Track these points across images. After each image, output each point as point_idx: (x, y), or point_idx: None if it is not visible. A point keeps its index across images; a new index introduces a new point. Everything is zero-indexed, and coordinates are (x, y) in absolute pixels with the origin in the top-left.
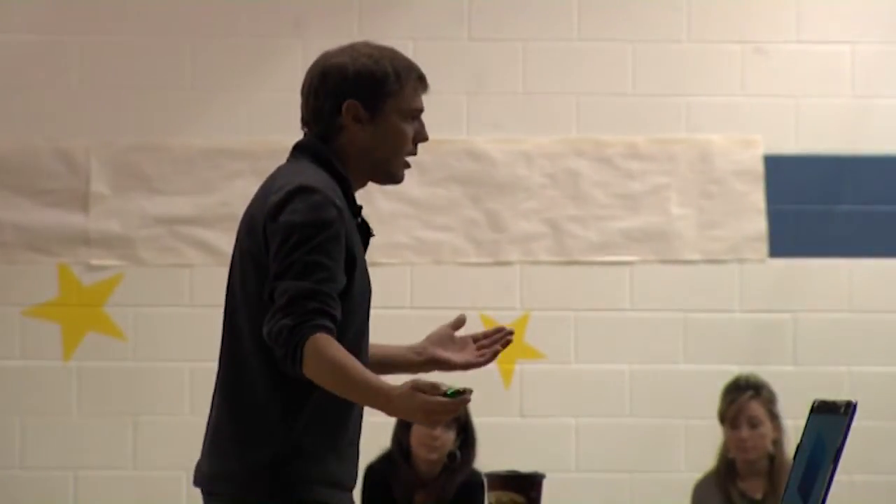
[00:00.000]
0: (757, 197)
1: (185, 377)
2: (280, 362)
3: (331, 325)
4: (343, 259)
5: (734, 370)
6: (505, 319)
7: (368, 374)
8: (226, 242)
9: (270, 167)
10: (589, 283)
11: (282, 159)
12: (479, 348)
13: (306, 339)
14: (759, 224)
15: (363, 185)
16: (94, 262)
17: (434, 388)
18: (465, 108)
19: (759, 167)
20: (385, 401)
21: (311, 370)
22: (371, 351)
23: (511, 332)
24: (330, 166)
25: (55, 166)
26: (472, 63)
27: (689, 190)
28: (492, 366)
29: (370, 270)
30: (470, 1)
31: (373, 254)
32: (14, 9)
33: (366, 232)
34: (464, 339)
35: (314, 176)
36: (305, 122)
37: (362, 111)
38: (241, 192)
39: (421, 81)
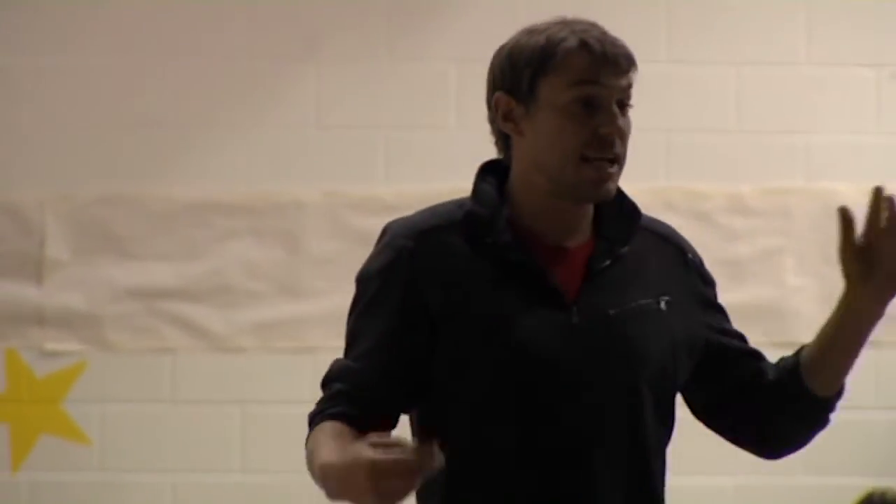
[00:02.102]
0: None
1: (166, 494)
2: None
3: (352, 410)
4: (398, 318)
5: (867, 483)
6: None
7: (323, 447)
8: (217, 320)
9: (274, 225)
10: None
11: (288, 215)
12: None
13: (310, 431)
14: None
15: (567, 206)
16: (50, 346)
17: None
18: None
19: None
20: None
21: None
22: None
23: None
24: (481, 190)
25: (0, 225)
26: None
27: (809, 254)
28: None
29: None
30: (528, 12)
31: None
32: None
33: (531, 268)
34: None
35: (418, 212)
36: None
37: (514, 104)
38: (236, 257)
39: (588, 50)
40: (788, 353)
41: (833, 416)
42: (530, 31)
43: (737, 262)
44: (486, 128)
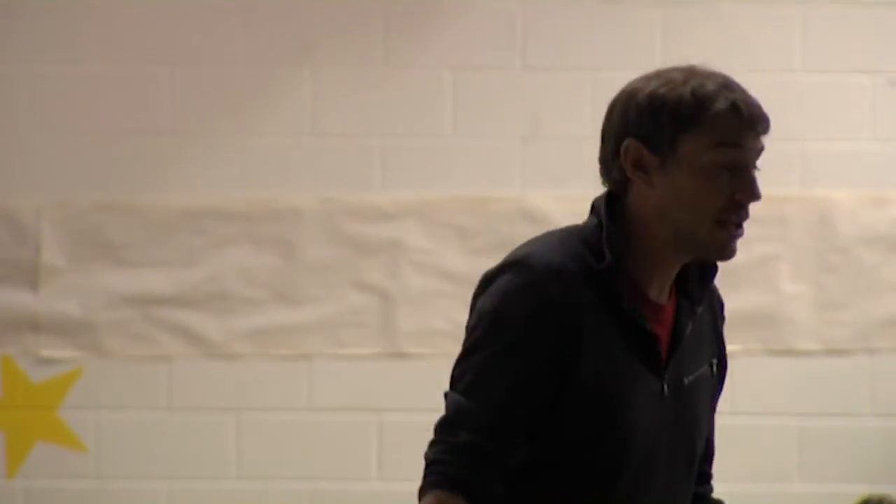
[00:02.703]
0: (892, 270)
1: (162, 501)
2: None
3: (479, 482)
4: (542, 374)
5: (863, 491)
6: None
7: None
8: (214, 328)
9: (271, 231)
10: None
11: (285, 221)
12: None
13: (428, 490)
14: (893, 304)
15: (680, 261)
16: (46, 353)
17: None
18: (518, 156)
19: (895, 232)
20: None
21: None
22: None
23: None
24: (598, 236)
25: None
26: (527, 99)
27: (804, 261)
28: None
29: (391, 361)
30: (525, 19)
31: (401, 342)
32: None
33: (642, 339)
34: None
35: (552, 247)
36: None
37: (647, 154)
38: (233, 264)
39: (737, 112)
40: (783, 360)
41: (829, 423)
42: (668, 81)
43: (732, 269)
44: (482, 134)
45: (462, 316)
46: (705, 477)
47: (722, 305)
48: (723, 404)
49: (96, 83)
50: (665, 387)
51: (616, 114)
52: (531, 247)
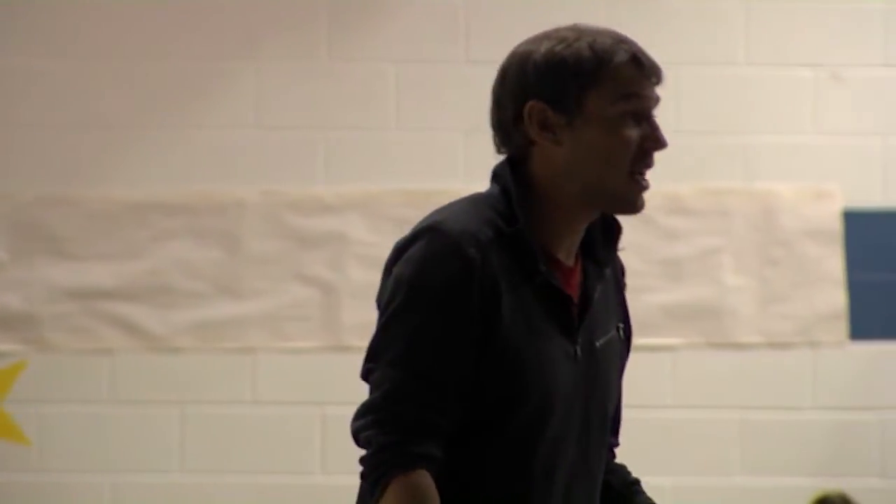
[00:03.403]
0: (834, 263)
1: (106, 494)
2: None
3: (435, 452)
4: (468, 338)
5: (805, 484)
6: None
7: None
8: (156, 321)
9: (214, 225)
10: None
11: (228, 215)
12: None
13: (394, 475)
14: (836, 298)
15: (588, 219)
16: None
17: None
18: (461, 149)
19: (837, 225)
20: None
21: None
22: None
23: None
24: (506, 202)
25: None
26: (470, 92)
27: (747, 254)
28: None
29: (335, 355)
30: (468, 13)
31: (344, 335)
32: None
33: (553, 295)
34: None
35: (465, 212)
36: (494, 140)
37: (552, 114)
38: (175, 258)
39: (637, 63)
40: (726, 353)
41: (771, 416)
42: (561, 39)
43: (675, 262)
44: (425, 127)
45: None
46: (611, 444)
47: (623, 271)
48: (665, 397)
49: (37, 78)
50: (578, 350)
51: (511, 77)
52: (443, 213)
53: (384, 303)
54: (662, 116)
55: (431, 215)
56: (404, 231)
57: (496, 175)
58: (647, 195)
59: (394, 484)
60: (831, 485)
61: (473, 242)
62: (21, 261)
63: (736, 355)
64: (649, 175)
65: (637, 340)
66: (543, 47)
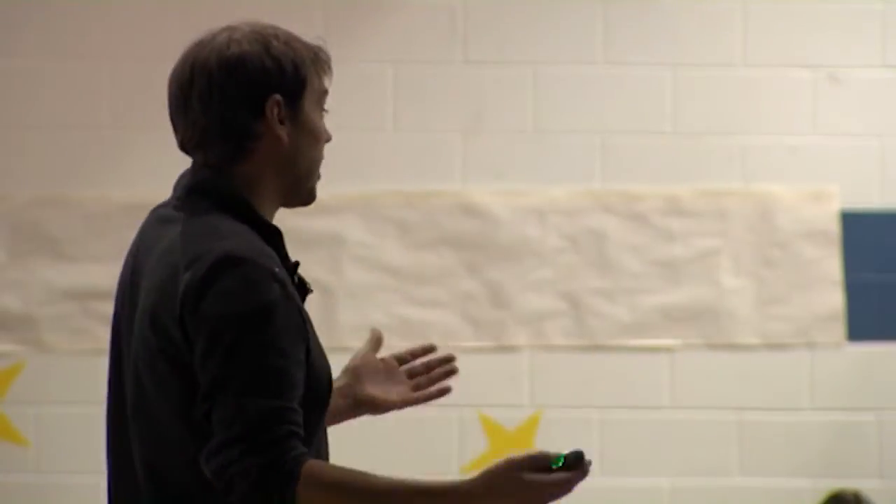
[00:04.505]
0: (831, 264)
1: (104, 496)
2: None
3: (305, 447)
4: (300, 349)
5: (803, 485)
6: (511, 419)
7: (415, 481)
8: None
9: None
10: (617, 374)
11: None
12: (411, 376)
13: (297, 478)
14: (834, 299)
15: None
16: None
17: (540, 462)
18: (459, 150)
19: (835, 226)
20: (466, 501)
21: None
22: None
23: (453, 359)
24: (246, 213)
25: None
26: (468, 93)
27: (745, 256)
28: None
29: (333, 356)
30: (466, 13)
31: (342, 336)
32: None
33: (303, 291)
34: (389, 364)
35: (237, 235)
36: (192, 146)
37: (285, 109)
38: None
39: (327, 64)
40: (724, 354)
41: (769, 417)
42: (277, 38)
43: (673, 264)
44: (423, 128)
45: (404, 310)
46: None
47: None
48: (663, 398)
49: (36, 78)
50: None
51: (241, 75)
52: (220, 242)
53: (204, 345)
54: (660, 118)
55: (207, 246)
56: (403, 231)
57: (207, 191)
58: (643, 194)
59: (300, 489)
60: (831, 485)
61: (267, 259)
62: (18, 262)
63: (734, 356)
64: (649, 175)
65: (635, 341)
66: (264, 44)
